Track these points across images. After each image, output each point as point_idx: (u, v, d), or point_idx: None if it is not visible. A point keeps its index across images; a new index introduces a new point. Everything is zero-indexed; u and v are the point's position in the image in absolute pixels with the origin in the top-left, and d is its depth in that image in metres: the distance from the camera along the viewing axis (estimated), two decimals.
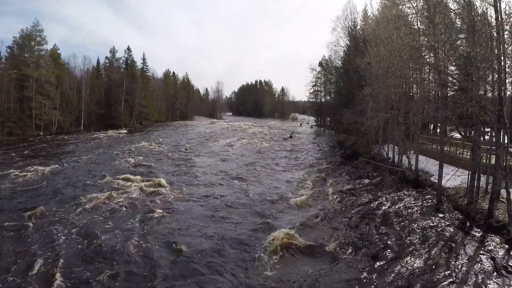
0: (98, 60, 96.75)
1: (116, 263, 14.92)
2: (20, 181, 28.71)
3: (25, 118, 64.03)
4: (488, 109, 18.17)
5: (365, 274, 14.59)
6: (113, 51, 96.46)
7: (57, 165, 35.07)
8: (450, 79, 24.53)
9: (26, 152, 44.33)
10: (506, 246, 16.63)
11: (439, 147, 27.19)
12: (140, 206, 22.97)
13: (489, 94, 20.91)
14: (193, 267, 14.85)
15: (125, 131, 79.10)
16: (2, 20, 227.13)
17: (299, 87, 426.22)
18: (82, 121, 79.03)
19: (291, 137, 75.87)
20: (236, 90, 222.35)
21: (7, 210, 21.43)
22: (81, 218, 20.19)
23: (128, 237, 17.76)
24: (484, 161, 21.83)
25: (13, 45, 68.07)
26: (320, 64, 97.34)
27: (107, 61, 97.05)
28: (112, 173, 32.10)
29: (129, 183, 28.60)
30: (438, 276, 14.23)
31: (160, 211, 21.99)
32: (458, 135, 30.62)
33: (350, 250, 16.99)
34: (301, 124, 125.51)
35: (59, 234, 17.73)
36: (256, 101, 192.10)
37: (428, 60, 27.65)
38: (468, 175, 22.18)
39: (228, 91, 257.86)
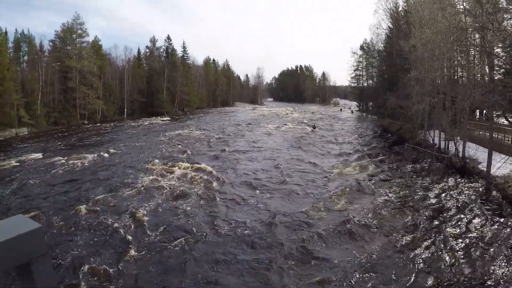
0: (138, 49, 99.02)
1: (172, 243, 15.50)
2: (68, 169, 29.98)
3: (70, 108, 66.22)
4: None
5: (408, 260, 14.54)
6: (153, 41, 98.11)
7: (102, 153, 36.23)
8: (496, 62, 23.44)
9: (71, 140, 46.26)
10: None
11: (487, 134, 26.08)
12: (186, 190, 23.48)
13: None
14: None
15: (167, 118, 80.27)
16: (41, 15, 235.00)
17: (340, 71, 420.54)
18: (125, 110, 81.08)
19: (314, 129, 63.26)
20: (276, 76, 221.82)
21: (58, 197, 22.32)
22: (131, 204, 20.84)
23: (181, 220, 18.59)
24: None
25: (55, 39, 70.98)
26: (362, 47, 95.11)
27: (147, 50, 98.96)
28: (157, 159, 32.98)
29: (174, 168, 29.41)
30: (484, 267, 13.84)
31: (208, 196, 22.62)
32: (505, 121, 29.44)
33: (395, 236, 16.95)
34: (341, 110, 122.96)
35: (111, 221, 18.32)
36: (296, 86, 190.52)
37: (474, 41, 26.50)
38: None
39: (268, 77, 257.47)
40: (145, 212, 19.23)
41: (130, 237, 16.06)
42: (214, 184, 24.80)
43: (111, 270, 13.32)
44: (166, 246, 15.27)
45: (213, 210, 20.03)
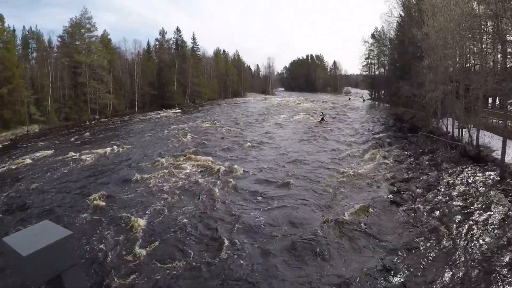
0: (148, 42, 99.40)
1: (185, 237, 16.10)
2: (80, 164, 30.29)
3: (80, 103, 66.53)
4: None
5: (423, 248, 14.71)
6: (162, 33, 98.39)
7: (114, 147, 36.49)
8: (510, 49, 23.16)
9: (83, 136, 46.46)
10: None
11: (501, 122, 25.80)
12: (197, 183, 23.89)
13: None
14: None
15: (178, 110, 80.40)
16: (50, 11, 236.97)
17: (351, 60, 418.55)
18: (136, 103, 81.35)
19: (322, 120, 58.50)
20: (287, 66, 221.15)
21: (71, 193, 22.68)
22: (142, 198, 21.31)
23: (191, 214, 18.85)
24: None
25: (63, 34, 71.29)
26: (373, 36, 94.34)
27: (157, 43, 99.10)
28: (168, 153, 33.53)
29: (184, 164, 29.34)
30: (500, 255, 13.87)
31: (217, 189, 22.72)
32: None
33: (409, 225, 17.19)
34: (349, 99, 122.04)
35: (124, 215, 18.69)
36: (307, 75, 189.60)
37: (487, 29, 26.15)
38: None
39: (279, 67, 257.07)
40: (152, 213, 18.86)
41: (138, 242, 15.70)
42: (223, 182, 24.22)
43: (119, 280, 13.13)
44: (175, 253, 14.81)
45: (216, 215, 18.93)
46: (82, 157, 32.13)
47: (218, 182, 24.09)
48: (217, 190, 22.40)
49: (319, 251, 14.51)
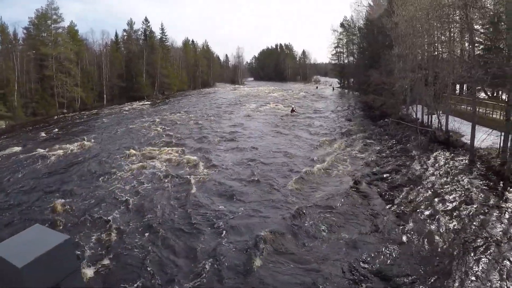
0: (116, 33, 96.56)
1: (160, 231, 16.01)
2: (49, 161, 29.33)
3: (48, 97, 64.44)
4: None
5: (395, 234, 15.10)
6: (130, 23, 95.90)
7: (83, 142, 35.65)
8: (477, 38, 23.85)
9: (51, 131, 44.78)
10: None
11: (470, 108, 26.60)
12: (164, 182, 23.24)
13: None
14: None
15: (147, 102, 78.87)
16: (16, 2, 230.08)
17: (320, 49, 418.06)
18: (105, 96, 79.37)
19: (292, 111, 56.48)
20: (256, 55, 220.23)
21: (37, 193, 21.75)
22: (113, 193, 20.97)
23: (166, 207, 18.87)
24: None
25: (29, 26, 68.38)
26: (342, 25, 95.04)
27: (125, 33, 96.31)
28: (138, 146, 33.08)
29: (152, 157, 29.09)
30: (471, 237, 14.47)
31: (185, 188, 22.08)
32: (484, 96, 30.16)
33: (381, 211, 17.52)
34: (317, 87, 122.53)
35: (92, 211, 18.42)
36: (277, 65, 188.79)
37: (456, 18, 26.81)
38: (501, 136, 22.22)
39: (248, 57, 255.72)
40: (118, 218, 17.64)
41: (106, 250, 14.76)
42: (190, 181, 22.99)
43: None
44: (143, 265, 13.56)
45: (185, 219, 17.73)
46: (49, 153, 30.99)
47: (185, 181, 23.19)
48: (184, 190, 21.51)
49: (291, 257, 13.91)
